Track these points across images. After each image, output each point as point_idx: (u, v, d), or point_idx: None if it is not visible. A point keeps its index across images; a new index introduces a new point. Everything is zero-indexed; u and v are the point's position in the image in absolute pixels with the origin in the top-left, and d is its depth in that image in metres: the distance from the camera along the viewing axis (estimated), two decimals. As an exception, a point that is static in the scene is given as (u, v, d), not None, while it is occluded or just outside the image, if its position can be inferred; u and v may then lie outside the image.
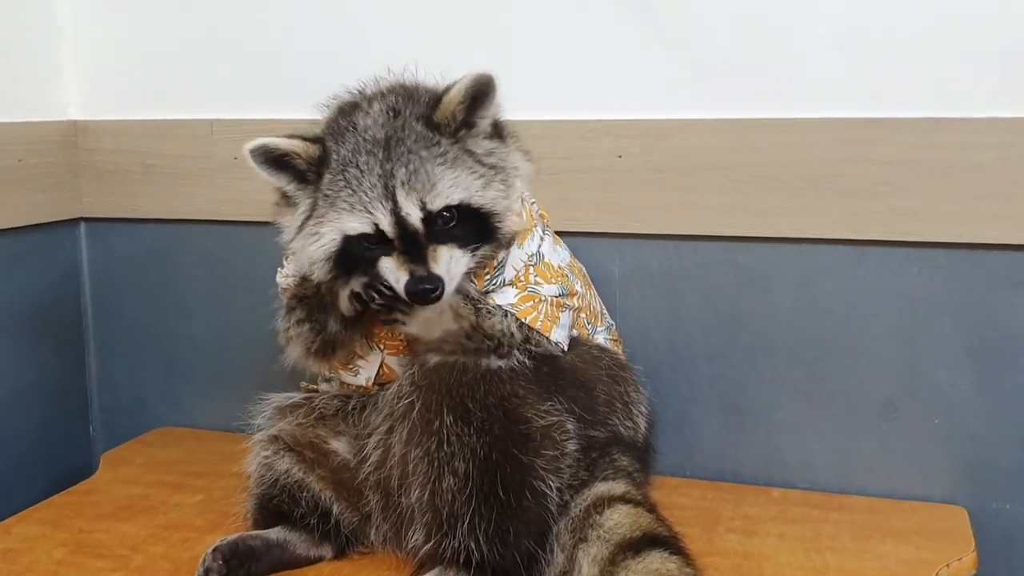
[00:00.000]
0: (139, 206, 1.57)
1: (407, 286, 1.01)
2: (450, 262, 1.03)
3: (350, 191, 1.03)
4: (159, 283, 1.60)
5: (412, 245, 1.02)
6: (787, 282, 1.35)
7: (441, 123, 1.05)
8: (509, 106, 1.33)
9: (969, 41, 1.24)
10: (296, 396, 1.23)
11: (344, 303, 1.10)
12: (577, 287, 1.18)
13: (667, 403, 1.39)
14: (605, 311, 1.29)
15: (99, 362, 1.65)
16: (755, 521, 1.26)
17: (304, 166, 1.06)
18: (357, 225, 1.03)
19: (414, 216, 1.02)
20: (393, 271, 1.03)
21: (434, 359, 1.09)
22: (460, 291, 1.08)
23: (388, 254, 1.03)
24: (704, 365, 1.39)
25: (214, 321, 1.58)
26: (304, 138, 1.06)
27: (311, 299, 1.14)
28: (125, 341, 1.63)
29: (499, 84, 1.05)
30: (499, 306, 1.10)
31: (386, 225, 1.02)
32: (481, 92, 1.05)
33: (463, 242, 1.04)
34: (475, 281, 1.10)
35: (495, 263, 1.10)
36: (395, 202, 1.02)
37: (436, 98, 1.05)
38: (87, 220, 1.61)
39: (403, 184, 1.02)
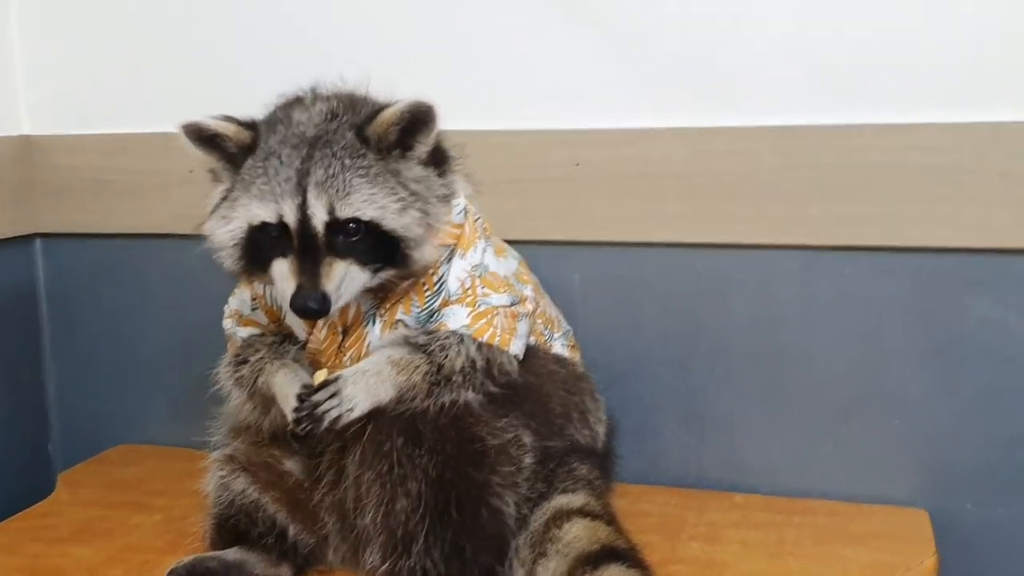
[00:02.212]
0: (95, 221, 1.56)
1: (292, 298, 0.99)
2: (343, 279, 1.00)
3: (265, 179, 1.02)
4: (116, 298, 1.58)
5: (309, 251, 1.00)
6: (745, 288, 1.35)
7: (371, 138, 1.03)
8: (466, 115, 1.34)
9: (917, 48, 1.25)
10: (252, 416, 1.21)
11: (288, 403, 1.07)
12: (527, 292, 1.17)
13: (629, 410, 1.39)
14: (561, 317, 1.28)
15: (56, 379, 1.63)
16: (718, 527, 1.26)
17: (233, 149, 1.05)
18: (262, 213, 1.01)
19: (319, 218, 1.00)
20: (284, 277, 1.01)
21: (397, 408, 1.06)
22: (403, 342, 1.06)
23: (284, 255, 1.01)
24: (665, 372, 1.39)
25: (172, 336, 1.57)
26: (238, 122, 1.05)
27: (252, 385, 1.12)
28: (82, 357, 1.62)
29: (439, 114, 1.03)
30: (453, 332, 1.08)
31: (290, 219, 1.00)
32: (419, 119, 1.03)
33: (364, 260, 1.02)
34: (415, 298, 1.08)
35: (434, 279, 1.08)
36: (304, 198, 1.00)
37: (373, 113, 1.04)
38: (42, 236, 1.59)
39: (317, 184, 1.00)
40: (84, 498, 1.39)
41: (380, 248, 1.02)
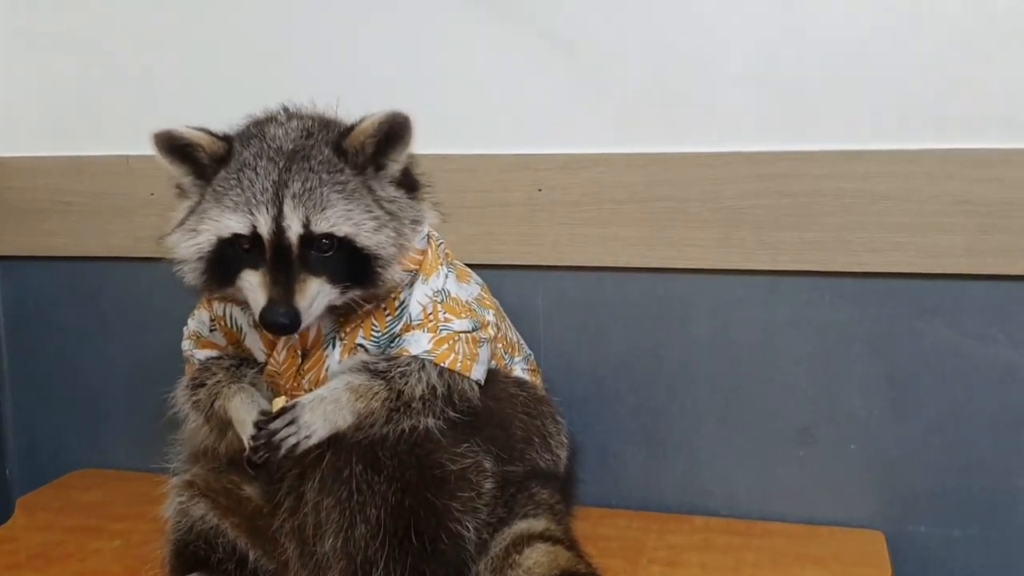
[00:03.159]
0: (56, 244, 1.54)
1: (264, 312, 0.98)
2: (316, 296, 1.00)
3: (239, 191, 1.01)
4: (77, 322, 1.57)
5: (282, 265, 1.00)
6: (704, 313, 1.36)
7: (349, 151, 1.04)
8: (430, 141, 1.34)
9: (873, 78, 1.27)
10: (209, 439, 1.21)
11: (245, 429, 1.07)
12: (488, 317, 1.17)
13: (591, 434, 1.40)
14: (522, 341, 1.29)
15: (15, 403, 1.61)
16: (678, 551, 1.27)
17: (206, 160, 1.05)
18: (235, 224, 1.01)
19: (294, 230, 1.00)
20: (254, 288, 1.00)
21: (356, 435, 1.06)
22: (362, 368, 1.06)
23: (255, 267, 1.01)
24: (627, 396, 1.40)
25: (133, 360, 1.56)
26: (212, 133, 1.05)
27: (209, 409, 1.12)
28: (42, 381, 1.60)
29: (415, 128, 1.04)
30: (414, 357, 1.08)
31: (264, 230, 1.00)
32: (395, 131, 1.04)
33: (335, 278, 1.02)
34: (376, 322, 1.08)
35: (395, 304, 1.08)
36: (280, 210, 1.00)
37: (349, 127, 1.05)
38: (2, 258, 1.58)
39: (294, 196, 1.00)
40: (42, 523, 1.38)
41: (352, 265, 1.02)
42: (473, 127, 1.40)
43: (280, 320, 0.98)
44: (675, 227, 1.33)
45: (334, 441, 1.04)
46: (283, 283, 0.99)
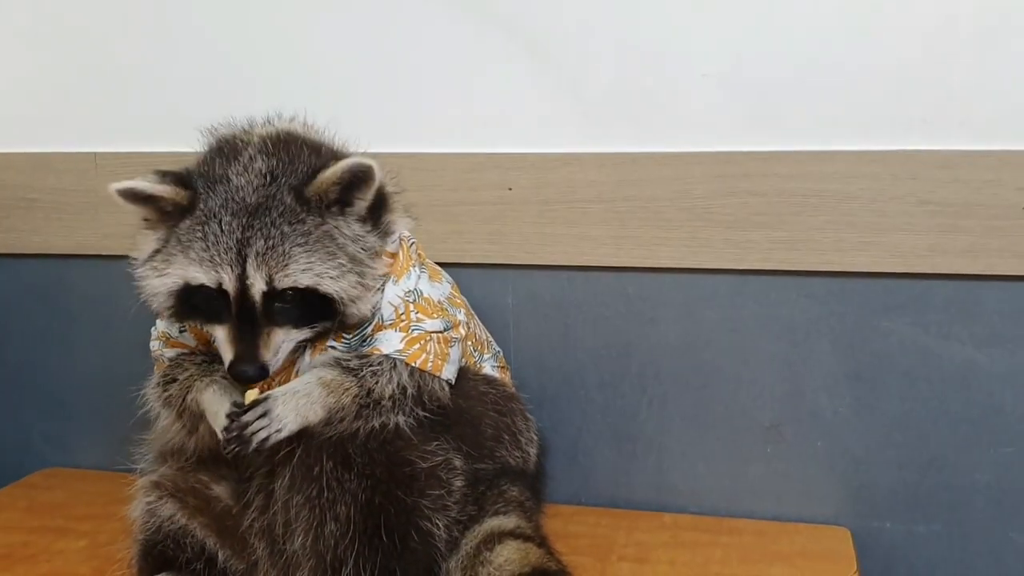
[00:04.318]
0: (19, 241, 1.52)
1: (231, 366, 1.01)
2: (281, 344, 1.03)
3: (204, 245, 1.01)
4: (41, 320, 1.55)
5: (247, 319, 1.01)
6: (673, 311, 1.37)
7: (311, 199, 1.03)
8: (399, 139, 1.36)
9: (838, 79, 1.28)
10: (180, 436, 1.20)
11: (218, 421, 1.06)
12: (459, 316, 1.18)
13: (561, 432, 1.40)
14: (491, 339, 1.29)
15: (-22, 403, 1.60)
16: (647, 548, 1.28)
17: (169, 208, 1.04)
18: (202, 277, 1.02)
19: (257, 288, 1.01)
20: (221, 343, 1.03)
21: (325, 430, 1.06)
22: (334, 363, 1.07)
23: (220, 321, 1.03)
24: (596, 394, 1.41)
25: (98, 358, 1.54)
26: (175, 180, 1.04)
27: (181, 404, 1.11)
28: (5, 380, 1.58)
29: (379, 172, 1.04)
30: (386, 356, 1.08)
31: (229, 287, 1.01)
32: (359, 178, 1.04)
33: (300, 323, 1.04)
34: (346, 331, 1.09)
35: None
36: (243, 269, 1.00)
37: (312, 172, 1.04)
38: (-36, 256, 1.56)
39: (257, 255, 1.00)
40: (6, 523, 1.36)
41: (315, 308, 1.04)
42: (442, 126, 1.40)
43: (248, 373, 1.01)
44: (644, 226, 1.34)
45: (305, 438, 1.04)
46: (248, 338, 1.01)
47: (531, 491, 1.23)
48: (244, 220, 1.01)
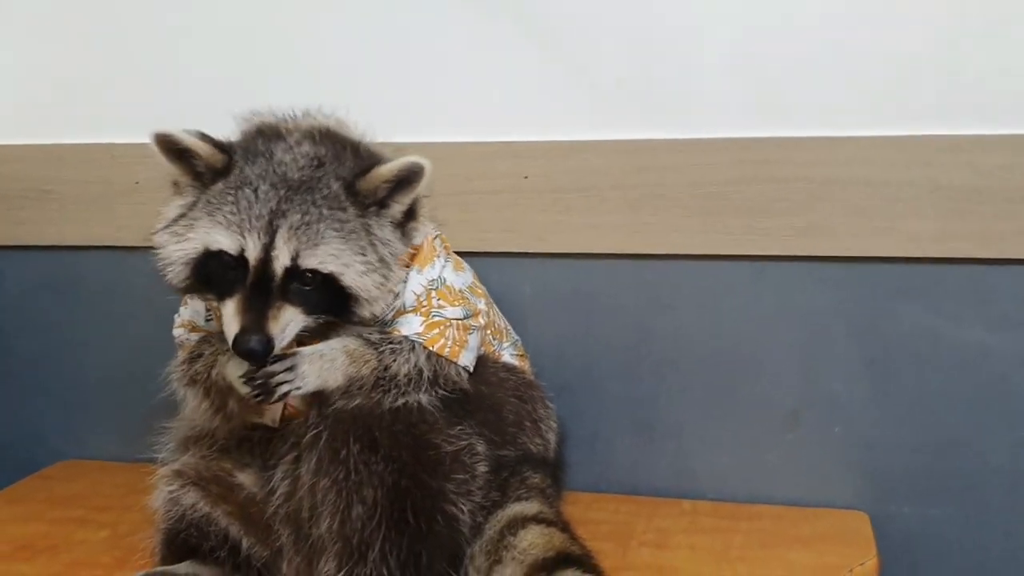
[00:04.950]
0: (34, 233, 1.52)
1: (236, 338, 0.99)
2: (288, 324, 1.01)
3: (234, 209, 1.01)
4: (56, 312, 1.55)
5: (260, 292, 1.00)
6: (691, 298, 1.38)
7: (360, 193, 1.04)
8: (415, 128, 1.36)
9: (852, 65, 1.29)
10: (199, 426, 1.20)
11: (245, 389, 1.07)
12: (480, 305, 1.18)
13: (579, 420, 1.40)
14: (510, 327, 1.30)
15: (-5, 395, 1.60)
16: (667, 534, 1.28)
17: (202, 168, 1.04)
18: (225, 241, 1.01)
19: (281, 261, 1.00)
20: (230, 317, 1.01)
21: (340, 402, 1.07)
22: (357, 335, 1.07)
23: (231, 294, 1.01)
24: (614, 382, 1.41)
25: (113, 350, 1.54)
26: (214, 143, 1.04)
27: (207, 380, 1.11)
28: (21, 372, 1.58)
29: (429, 175, 1.04)
30: (405, 337, 1.09)
31: (251, 255, 1.00)
32: (408, 178, 1.04)
33: (311, 309, 1.03)
34: None
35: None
36: (272, 239, 1.00)
37: (365, 167, 1.04)
38: (-21, 248, 1.56)
39: (290, 228, 1.00)
40: (26, 514, 1.36)
41: (330, 299, 1.03)
42: (456, 114, 1.40)
43: (252, 347, 0.99)
44: (659, 213, 1.35)
45: (331, 422, 1.04)
46: (257, 310, 1.00)
47: (552, 478, 1.24)
48: (283, 192, 1.01)
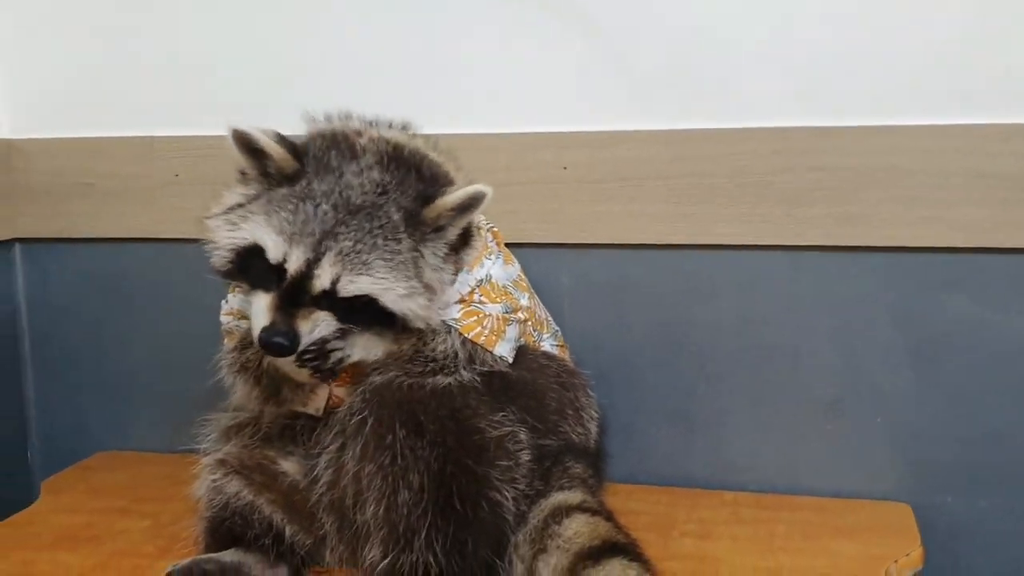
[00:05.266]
0: (76, 226, 1.54)
1: (263, 332, 0.99)
2: (317, 326, 1.02)
3: (291, 219, 1.02)
4: (98, 304, 1.56)
5: (293, 297, 1.01)
6: (730, 288, 1.37)
7: (420, 220, 1.04)
8: (455, 120, 1.36)
9: (897, 52, 1.28)
10: (241, 416, 1.21)
11: (299, 373, 1.09)
12: (522, 301, 1.18)
13: (617, 411, 1.40)
14: (550, 318, 1.29)
15: (37, 387, 1.60)
16: (708, 524, 1.28)
17: (272, 170, 1.05)
18: (271, 245, 1.02)
19: (320, 281, 1.01)
20: (259, 311, 1.01)
21: (379, 379, 1.07)
22: None
23: (267, 288, 1.02)
24: (652, 372, 1.41)
25: (154, 342, 1.55)
26: (289, 148, 1.05)
27: (258, 366, 1.12)
28: (63, 365, 1.59)
29: (489, 199, 1.05)
30: (442, 322, 1.09)
31: (291, 266, 1.01)
32: (470, 205, 1.05)
33: (343, 318, 1.03)
34: None
35: None
36: (316, 260, 1.00)
37: (427, 196, 1.05)
38: (21, 241, 1.57)
39: (338, 254, 1.01)
40: (69, 505, 1.37)
41: (365, 313, 1.04)
42: (496, 106, 1.40)
43: (277, 340, 0.99)
44: (700, 203, 1.34)
45: (375, 407, 1.05)
46: (288, 310, 1.01)
47: (593, 469, 1.23)
48: (342, 215, 1.02)
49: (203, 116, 1.46)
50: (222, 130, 1.43)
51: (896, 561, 1.17)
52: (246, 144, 1.04)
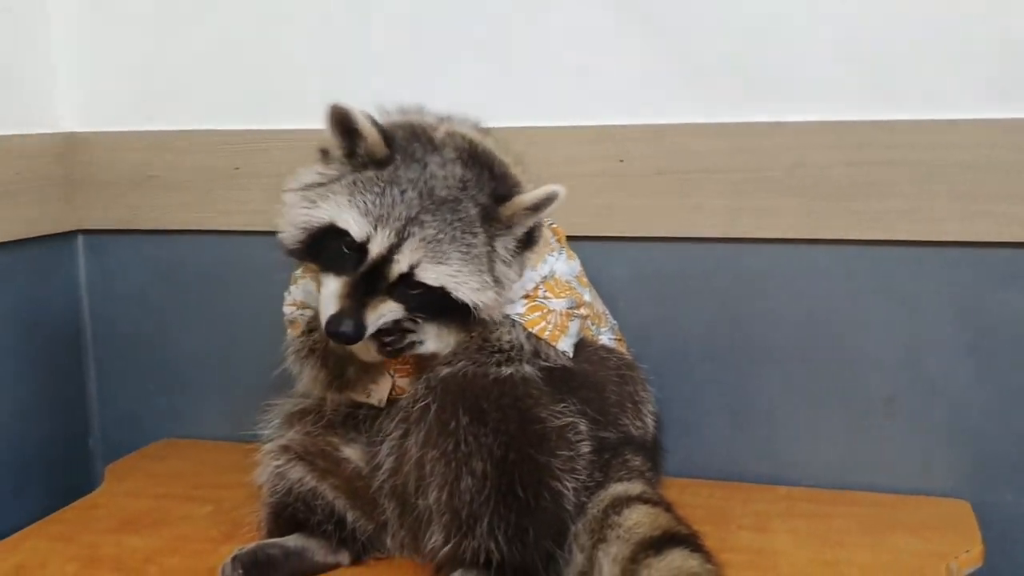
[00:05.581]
0: (138, 218, 1.56)
1: (330, 319, 1.00)
2: (383, 315, 1.02)
3: (378, 202, 1.03)
4: (159, 295, 1.59)
5: (368, 284, 1.01)
6: (787, 283, 1.37)
7: (496, 217, 1.06)
8: (511, 112, 1.37)
9: (961, 46, 1.27)
10: (304, 403, 1.23)
11: (369, 356, 1.10)
12: (585, 296, 1.19)
13: (670, 405, 1.39)
14: (607, 312, 1.30)
15: (98, 376, 1.63)
16: (765, 518, 1.28)
17: (361, 151, 1.06)
18: (354, 226, 1.02)
19: (399, 266, 1.01)
20: (329, 296, 1.02)
21: (446, 369, 1.08)
22: None
23: (339, 272, 1.02)
24: (706, 367, 1.41)
25: (214, 332, 1.57)
26: (382, 133, 1.05)
27: (325, 348, 1.13)
28: (124, 354, 1.62)
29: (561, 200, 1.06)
30: (507, 316, 1.10)
31: (375, 248, 1.01)
32: (543, 205, 1.06)
33: (412, 308, 1.04)
34: None
35: None
36: (398, 244, 1.01)
37: (502, 195, 1.07)
38: (85, 233, 1.60)
39: (420, 240, 1.02)
40: (132, 490, 1.40)
41: (437, 304, 1.04)
42: (554, 99, 1.41)
43: (342, 329, 1.00)
44: (758, 197, 1.34)
45: (439, 394, 1.06)
46: (358, 299, 1.01)
47: (651, 463, 1.23)
48: (427, 203, 1.03)
49: (264, 110, 1.48)
50: (283, 124, 1.48)
51: (957, 558, 1.16)
52: (343, 122, 1.05)
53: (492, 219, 1.06)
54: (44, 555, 1.20)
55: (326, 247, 1.04)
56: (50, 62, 1.56)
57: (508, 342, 1.09)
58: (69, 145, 1.56)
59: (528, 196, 1.06)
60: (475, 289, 1.04)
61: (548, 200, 1.06)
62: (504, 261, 1.07)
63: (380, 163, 1.05)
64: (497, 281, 1.06)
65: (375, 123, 1.06)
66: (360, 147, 1.05)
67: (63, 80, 1.57)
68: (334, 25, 1.47)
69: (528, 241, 1.11)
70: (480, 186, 1.07)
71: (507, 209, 1.06)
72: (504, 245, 1.08)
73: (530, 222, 1.09)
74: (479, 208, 1.06)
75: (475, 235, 1.05)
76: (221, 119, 1.51)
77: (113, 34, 1.55)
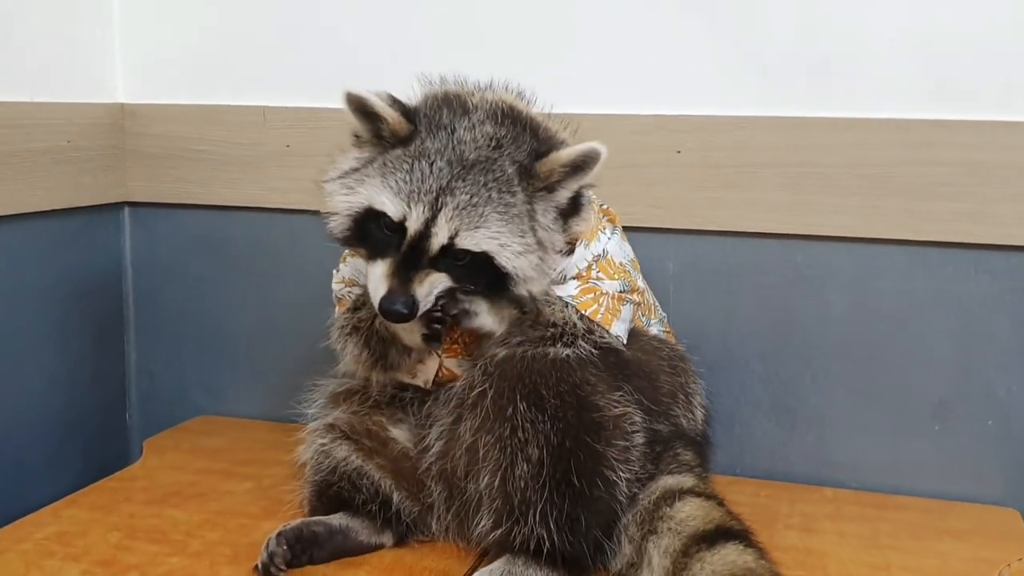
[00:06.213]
0: (185, 191, 1.56)
1: (382, 300, 0.99)
2: (434, 288, 1.01)
3: (407, 178, 1.02)
4: (202, 270, 1.58)
5: (412, 259, 1.01)
6: (842, 282, 1.35)
7: (534, 176, 1.04)
8: (568, 100, 1.34)
9: (1028, 45, 1.25)
10: (350, 383, 1.22)
11: (412, 339, 1.09)
12: (639, 283, 1.17)
13: (719, 401, 1.38)
14: (657, 304, 1.28)
15: (139, 349, 1.63)
16: (812, 519, 1.26)
17: (386, 132, 1.05)
18: (390, 206, 1.01)
19: (439, 238, 1.00)
20: (378, 279, 1.01)
21: (502, 352, 1.07)
22: None
23: (383, 255, 1.02)
24: (757, 364, 1.39)
25: (257, 310, 1.57)
26: (402, 110, 1.05)
27: (369, 328, 1.12)
28: (166, 328, 1.61)
29: (603, 162, 1.03)
30: (559, 298, 1.09)
31: (411, 225, 1.01)
32: (583, 165, 1.04)
33: (459, 279, 1.03)
34: None
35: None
36: (435, 216, 1.00)
37: (542, 151, 1.04)
38: (131, 204, 1.60)
39: (455, 207, 1.00)
40: (172, 463, 1.39)
41: (482, 274, 1.03)
42: (611, 86, 1.39)
43: (396, 308, 0.99)
44: (817, 193, 1.32)
45: (496, 380, 1.04)
46: (405, 276, 1.00)
47: (700, 457, 1.22)
48: (457, 170, 1.02)
49: (316, 87, 1.47)
50: (335, 102, 1.46)
51: (1009, 565, 1.14)
52: (360, 107, 1.04)
53: (531, 176, 1.04)
54: (85, 524, 1.19)
55: (370, 232, 1.04)
56: (109, 33, 1.55)
57: (562, 318, 1.08)
58: (118, 116, 1.56)
59: (566, 152, 1.03)
60: (518, 252, 1.02)
61: (588, 158, 1.03)
62: (545, 227, 1.05)
63: (406, 140, 1.04)
64: (540, 245, 1.04)
65: (394, 101, 1.05)
66: (384, 128, 1.05)
67: (119, 51, 1.56)
68: (386, 5, 1.45)
69: (572, 210, 1.09)
70: (518, 144, 1.05)
71: (544, 165, 1.03)
72: (545, 209, 1.05)
73: (573, 185, 1.06)
74: (516, 166, 1.03)
75: (513, 194, 1.03)
76: (274, 95, 1.50)
77: (166, 6, 1.55)
